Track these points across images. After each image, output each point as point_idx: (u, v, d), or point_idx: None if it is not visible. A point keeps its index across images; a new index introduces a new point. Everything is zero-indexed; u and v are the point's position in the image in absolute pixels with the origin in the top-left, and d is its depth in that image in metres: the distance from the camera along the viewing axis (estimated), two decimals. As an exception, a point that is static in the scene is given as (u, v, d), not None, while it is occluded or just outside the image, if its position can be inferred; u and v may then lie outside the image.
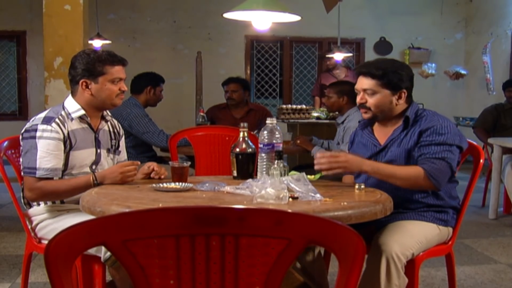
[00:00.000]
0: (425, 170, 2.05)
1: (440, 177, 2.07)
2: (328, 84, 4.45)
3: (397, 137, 2.20)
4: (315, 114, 5.59)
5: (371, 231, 2.12)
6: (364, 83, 2.20)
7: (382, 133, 2.28)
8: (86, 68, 2.21)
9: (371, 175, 2.10)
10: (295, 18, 2.98)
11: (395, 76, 2.17)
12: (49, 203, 2.25)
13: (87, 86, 2.23)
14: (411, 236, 2.07)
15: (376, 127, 2.32)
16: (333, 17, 6.56)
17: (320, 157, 2.05)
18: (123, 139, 2.50)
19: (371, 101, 2.19)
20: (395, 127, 2.23)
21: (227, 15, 2.98)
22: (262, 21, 3.11)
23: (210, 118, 4.68)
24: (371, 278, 1.94)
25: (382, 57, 8.16)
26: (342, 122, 3.79)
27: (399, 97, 2.19)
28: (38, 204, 2.26)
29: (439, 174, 2.07)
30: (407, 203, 2.20)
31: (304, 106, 5.84)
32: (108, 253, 1.93)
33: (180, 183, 2.05)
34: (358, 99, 2.23)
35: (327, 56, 6.64)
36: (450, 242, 2.28)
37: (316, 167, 2.06)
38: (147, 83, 3.96)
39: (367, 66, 2.22)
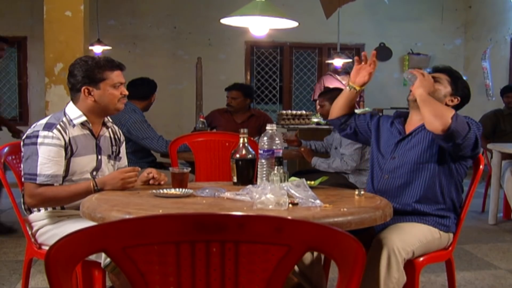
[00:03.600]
0: (451, 120, 2.07)
1: (459, 130, 2.07)
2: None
3: (424, 128, 2.25)
4: (315, 120, 5.61)
5: (370, 236, 2.13)
6: (436, 74, 2.35)
7: (410, 125, 2.35)
8: (86, 75, 2.22)
9: (420, 97, 2.18)
10: (293, 24, 2.99)
11: (462, 83, 2.34)
12: (49, 209, 2.26)
13: (89, 93, 2.24)
14: (412, 235, 2.11)
15: (409, 120, 2.38)
16: (333, 23, 6.59)
17: (417, 71, 2.25)
18: (123, 145, 2.51)
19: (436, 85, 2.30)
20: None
21: (225, 20, 2.99)
22: (259, 27, 3.12)
23: (210, 122, 4.69)
24: (371, 269, 1.97)
25: (387, 64, 8.22)
26: None
27: (452, 100, 2.31)
28: (39, 210, 2.27)
29: (460, 129, 2.07)
30: (410, 208, 2.23)
31: (304, 112, 5.85)
32: (108, 259, 1.93)
33: (180, 189, 2.05)
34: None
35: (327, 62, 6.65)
36: (450, 248, 2.29)
37: (410, 70, 2.27)
38: (152, 90, 4.02)
39: (446, 67, 2.40)
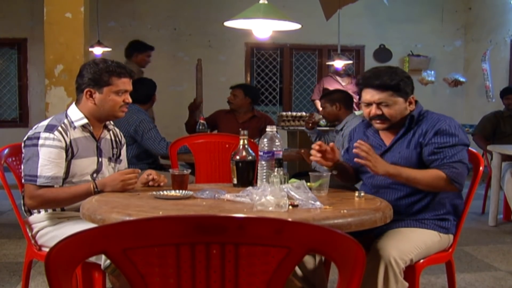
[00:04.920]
0: (448, 176, 2.08)
1: (462, 180, 2.12)
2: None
3: (404, 138, 2.21)
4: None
5: (370, 238, 2.13)
6: (376, 96, 2.18)
7: (386, 134, 2.28)
8: (93, 78, 2.22)
9: (393, 177, 2.11)
10: (296, 26, 2.99)
11: (405, 83, 2.19)
12: (49, 210, 2.26)
13: (91, 95, 2.24)
14: (410, 242, 2.07)
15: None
16: (333, 24, 6.59)
17: (361, 145, 2.07)
18: (124, 147, 2.51)
19: (387, 111, 2.18)
20: (399, 128, 2.24)
21: (228, 23, 2.99)
22: (262, 30, 3.12)
23: (213, 120, 4.71)
24: (368, 283, 1.94)
25: (381, 65, 8.19)
26: (341, 129, 3.81)
27: (410, 103, 2.22)
28: (39, 212, 2.27)
29: (461, 178, 2.11)
30: (408, 211, 2.21)
31: (304, 113, 5.86)
32: (108, 261, 1.93)
33: (180, 191, 2.05)
34: (371, 111, 2.20)
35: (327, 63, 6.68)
36: (450, 250, 2.28)
37: (355, 150, 2.07)
38: (153, 91, 4.04)
39: (377, 77, 2.19)
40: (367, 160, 2.05)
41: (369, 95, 2.20)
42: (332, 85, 6.39)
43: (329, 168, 2.25)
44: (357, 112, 4.23)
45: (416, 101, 2.27)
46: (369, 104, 2.21)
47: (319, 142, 2.24)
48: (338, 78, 6.64)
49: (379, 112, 2.19)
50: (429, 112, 2.25)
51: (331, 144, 2.24)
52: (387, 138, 2.28)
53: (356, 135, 2.41)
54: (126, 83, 2.27)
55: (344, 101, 3.87)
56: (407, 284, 1.98)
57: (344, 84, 6.55)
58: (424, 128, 2.18)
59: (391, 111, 2.18)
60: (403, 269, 1.98)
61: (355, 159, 2.10)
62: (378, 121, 2.22)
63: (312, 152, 2.21)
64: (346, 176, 2.37)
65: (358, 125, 2.48)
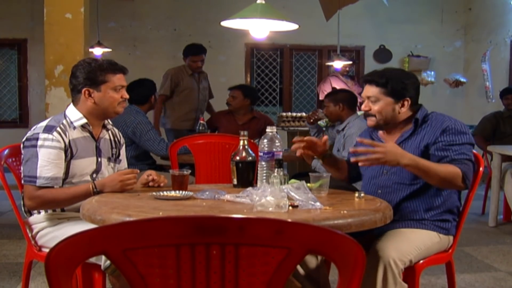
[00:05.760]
0: (463, 172, 2.07)
1: (471, 178, 2.12)
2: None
3: (408, 139, 2.22)
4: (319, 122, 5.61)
5: (370, 239, 2.13)
6: (368, 90, 2.26)
7: (391, 138, 2.28)
8: (88, 77, 2.22)
9: (409, 169, 2.06)
10: (293, 26, 2.99)
11: (398, 84, 2.21)
12: (49, 211, 2.26)
13: (90, 95, 2.24)
14: (409, 243, 2.07)
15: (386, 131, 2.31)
16: (333, 25, 6.59)
17: (360, 142, 2.10)
18: (123, 147, 2.51)
19: (374, 108, 2.23)
20: (402, 131, 2.26)
21: (225, 23, 2.99)
22: (259, 30, 3.12)
23: (213, 123, 4.70)
24: (367, 284, 1.93)
25: (387, 66, 8.19)
26: (342, 129, 3.80)
27: (402, 105, 2.23)
28: (39, 212, 2.27)
29: (471, 176, 2.12)
30: (409, 212, 2.21)
31: (304, 114, 5.85)
32: (108, 261, 1.93)
33: (180, 191, 2.05)
34: (362, 106, 2.28)
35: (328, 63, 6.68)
36: (450, 250, 2.29)
37: (353, 158, 2.06)
38: (150, 92, 4.01)
39: (372, 74, 2.28)
40: (373, 159, 2.00)
41: (364, 90, 2.28)
42: (339, 85, 6.37)
43: (318, 157, 2.31)
44: (359, 113, 4.24)
45: (418, 107, 2.28)
46: (364, 100, 2.28)
47: (306, 138, 2.25)
48: (342, 78, 6.64)
49: (367, 108, 2.25)
50: (433, 113, 2.27)
51: (324, 137, 2.28)
52: (391, 141, 2.27)
53: (364, 136, 2.42)
54: (121, 79, 2.28)
55: (347, 101, 3.86)
56: (406, 286, 1.98)
57: (349, 85, 6.55)
58: (431, 129, 2.20)
59: (376, 108, 2.23)
60: (403, 270, 1.98)
61: (353, 159, 2.09)
62: (368, 119, 2.28)
63: (295, 146, 2.24)
64: (335, 168, 2.39)
65: (364, 130, 2.51)
